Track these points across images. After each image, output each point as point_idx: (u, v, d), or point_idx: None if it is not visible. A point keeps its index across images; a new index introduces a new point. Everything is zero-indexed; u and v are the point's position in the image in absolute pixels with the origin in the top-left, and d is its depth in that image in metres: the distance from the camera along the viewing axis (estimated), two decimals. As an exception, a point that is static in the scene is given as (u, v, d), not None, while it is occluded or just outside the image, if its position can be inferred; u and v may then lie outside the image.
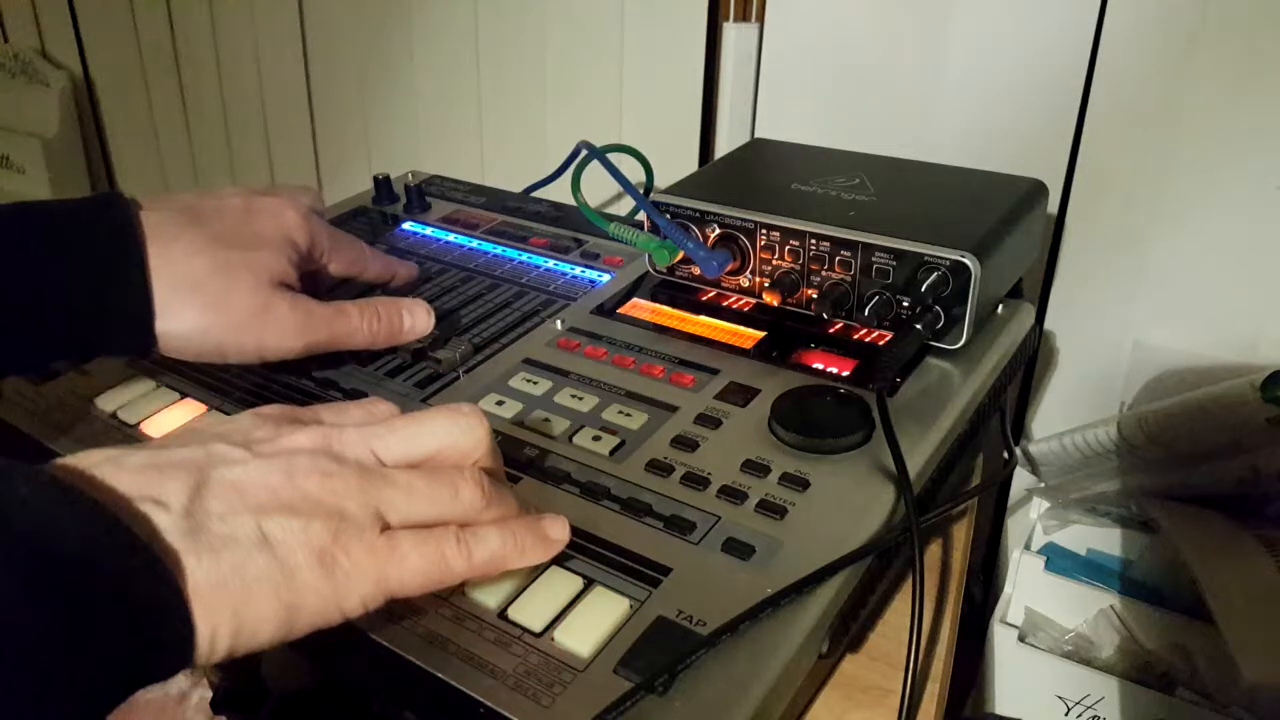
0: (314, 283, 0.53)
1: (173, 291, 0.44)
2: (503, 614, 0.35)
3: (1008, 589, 0.66)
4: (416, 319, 0.51)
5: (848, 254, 0.50)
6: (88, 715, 0.26)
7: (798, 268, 0.52)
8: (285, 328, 0.46)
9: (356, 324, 0.49)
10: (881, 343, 0.51)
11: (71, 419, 0.49)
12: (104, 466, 0.29)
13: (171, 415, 0.49)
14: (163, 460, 0.30)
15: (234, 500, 0.30)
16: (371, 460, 0.34)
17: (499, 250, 0.65)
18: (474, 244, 0.66)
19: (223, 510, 0.30)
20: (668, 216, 0.55)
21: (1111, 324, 0.68)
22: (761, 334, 0.52)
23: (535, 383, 0.49)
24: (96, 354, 0.49)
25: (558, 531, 0.36)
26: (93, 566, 0.26)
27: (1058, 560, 0.66)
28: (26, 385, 0.52)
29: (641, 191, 0.56)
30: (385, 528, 0.32)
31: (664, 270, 0.58)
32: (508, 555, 0.35)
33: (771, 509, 0.40)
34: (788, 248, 0.52)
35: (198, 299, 0.44)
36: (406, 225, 0.69)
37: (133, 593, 0.27)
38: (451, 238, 0.67)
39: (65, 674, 0.25)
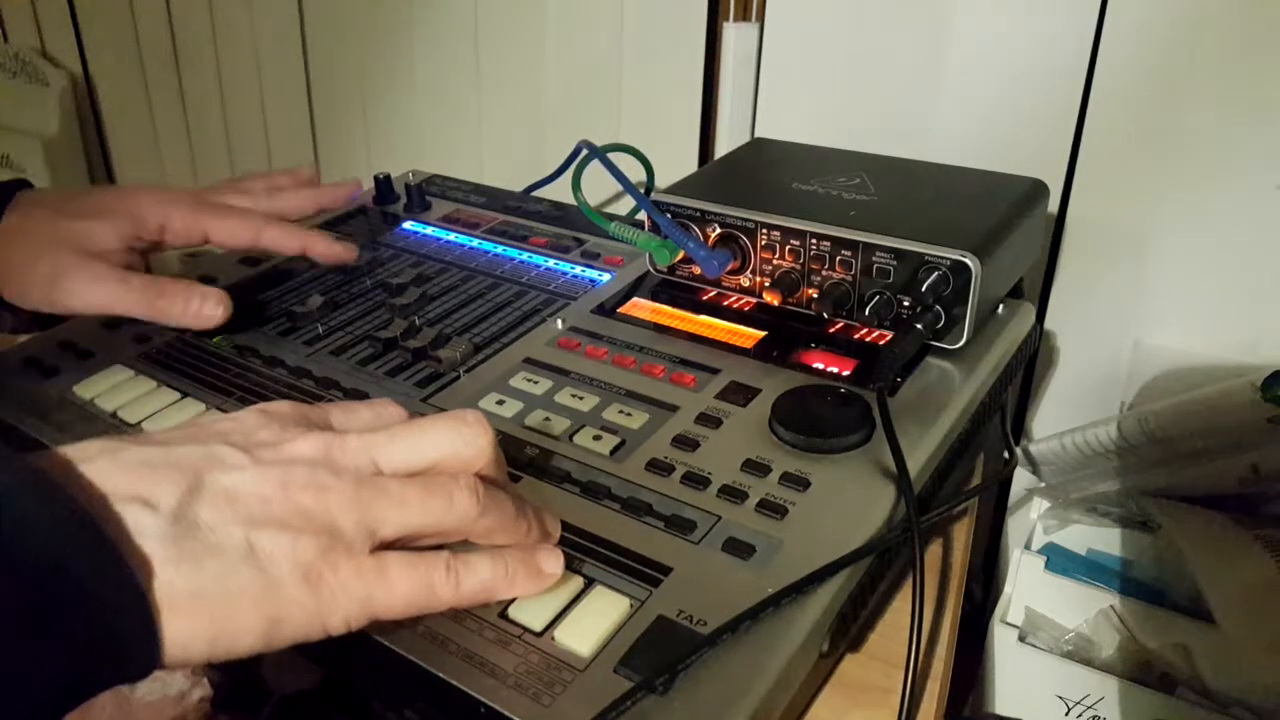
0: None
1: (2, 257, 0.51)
2: (503, 613, 0.35)
3: (1008, 589, 0.66)
4: (205, 306, 0.52)
5: (848, 254, 0.50)
6: (45, 711, 0.26)
7: (798, 267, 0.52)
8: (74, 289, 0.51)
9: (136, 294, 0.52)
10: (882, 342, 0.51)
11: (72, 418, 0.49)
12: (98, 460, 0.29)
13: (172, 414, 0.49)
14: (159, 459, 0.30)
15: (225, 509, 0.30)
16: (371, 470, 0.33)
17: (499, 249, 0.65)
18: (474, 243, 0.66)
19: (212, 519, 0.30)
20: (668, 216, 0.55)
21: (1111, 324, 0.68)
22: (762, 334, 0.52)
23: (536, 382, 0.49)
24: None
25: (551, 565, 0.36)
26: (56, 564, 0.26)
27: (1058, 560, 0.66)
28: (28, 384, 0.52)
29: (642, 191, 0.56)
30: (380, 543, 0.32)
31: (664, 270, 0.58)
32: (497, 586, 0.35)
33: (772, 509, 0.40)
34: (788, 247, 0.52)
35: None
36: (407, 224, 0.69)
37: (93, 594, 0.26)
38: (452, 237, 0.67)
39: (18, 666, 0.25)
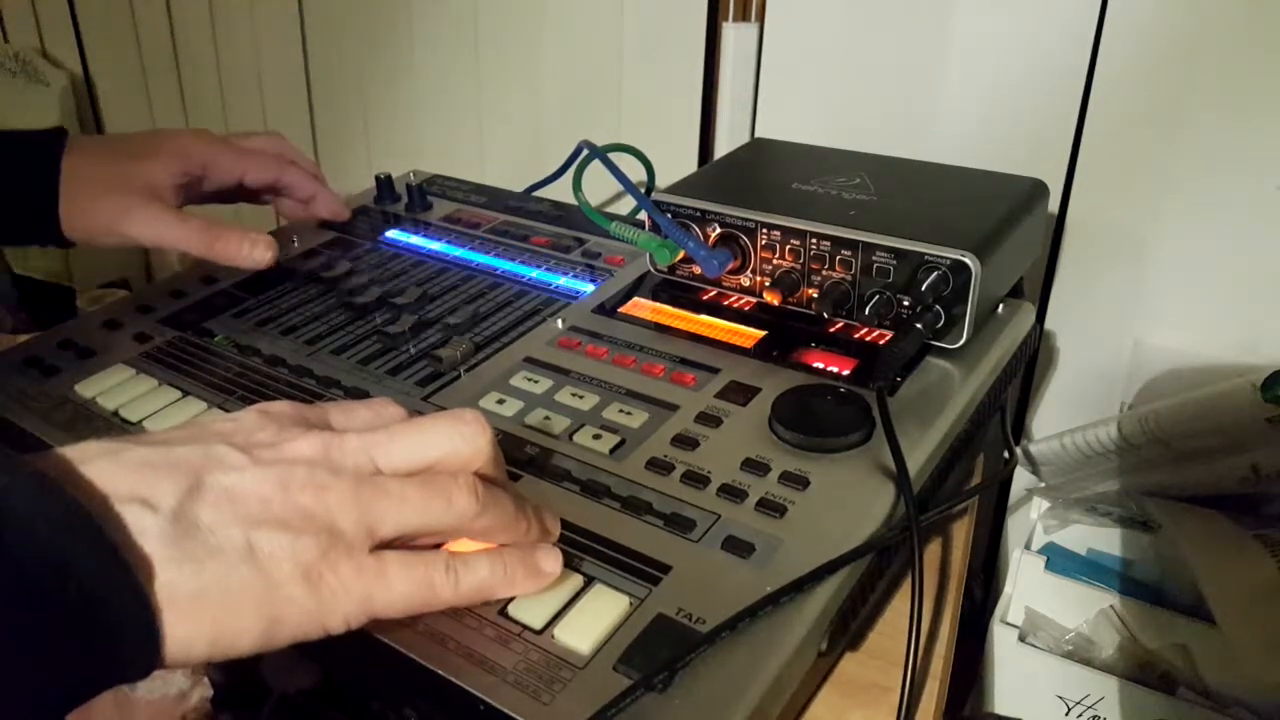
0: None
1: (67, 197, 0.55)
2: (503, 611, 0.35)
3: (1008, 589, 0.66)
4: (256, 250, 0.57)
5: (848, 253, 0.50)
6: (46, 711, 0.26)
7: (798, 267, 0.52)
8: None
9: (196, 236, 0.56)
10: (882, 342, 0.51)
11: (72, 417, 0.49)
12: (99, 461, 0.29)
13: (172, 413, 0.49)
14: (159, 459, 0.30)
15: (225, 509, 0.30)
16: (370, 469, 0.33)
17: (500, 249, 0.65)
18: (475, 243, 0.66)
19: (212, 519, 0.30)
20: (669, 216, 0.55)
21: (1111, 324, 0.68)
22: (762, 333, 0.52)
23: (536, 381, 0.50)
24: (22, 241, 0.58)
25: (549, 564, 0.36)
26: (57, 564, 0.26)
27: (1058, 560, 0.66)
28: (28, 383, 0.52)
29: (642, 191, 0.56)
30: (379, 543, 0.32)
31: (665, 269, 0.58)
32: (496, 586, 0.35)
33: (771, 507, 0.40)
34: (788, 247, 0.52)
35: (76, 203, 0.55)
36: (408, 224, 0.69)
37: (94, 595, 0.26)
38: (453, 237, 0.67)
39: (19, 667, 0.25)
